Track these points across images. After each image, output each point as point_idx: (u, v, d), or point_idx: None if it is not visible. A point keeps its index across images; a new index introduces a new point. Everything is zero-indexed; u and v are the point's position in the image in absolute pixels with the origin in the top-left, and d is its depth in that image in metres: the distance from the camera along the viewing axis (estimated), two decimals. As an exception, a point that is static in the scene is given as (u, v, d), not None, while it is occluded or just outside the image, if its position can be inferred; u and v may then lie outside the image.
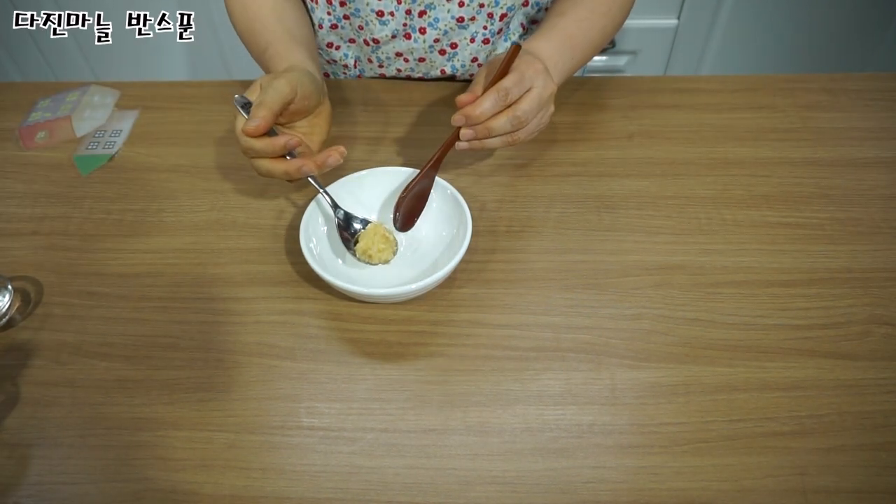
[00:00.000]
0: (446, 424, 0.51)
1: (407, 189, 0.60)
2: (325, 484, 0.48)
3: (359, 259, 0.59)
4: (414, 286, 0.53)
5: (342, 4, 0.78)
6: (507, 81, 0.56)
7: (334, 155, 0.57)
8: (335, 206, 0.60)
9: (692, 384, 0.52)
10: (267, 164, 0.57)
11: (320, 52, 0.87)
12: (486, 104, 0.56)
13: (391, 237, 0.60)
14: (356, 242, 0.60)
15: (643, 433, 0.50)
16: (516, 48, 0.59)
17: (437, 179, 0.62)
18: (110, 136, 0.77)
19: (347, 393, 0.53)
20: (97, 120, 0.79)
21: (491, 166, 0.71)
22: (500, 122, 0.57)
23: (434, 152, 0.61)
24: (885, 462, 0.48)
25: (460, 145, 0.60)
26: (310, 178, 0.59)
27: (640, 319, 0.57)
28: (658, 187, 0.68)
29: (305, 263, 0.55)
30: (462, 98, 0.58)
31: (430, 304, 0.58)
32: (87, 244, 0.65)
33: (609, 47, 1.47)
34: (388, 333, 0.57)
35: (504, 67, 0.58)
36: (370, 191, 0.64)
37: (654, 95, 0.80)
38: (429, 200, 0.63)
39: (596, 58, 1.50)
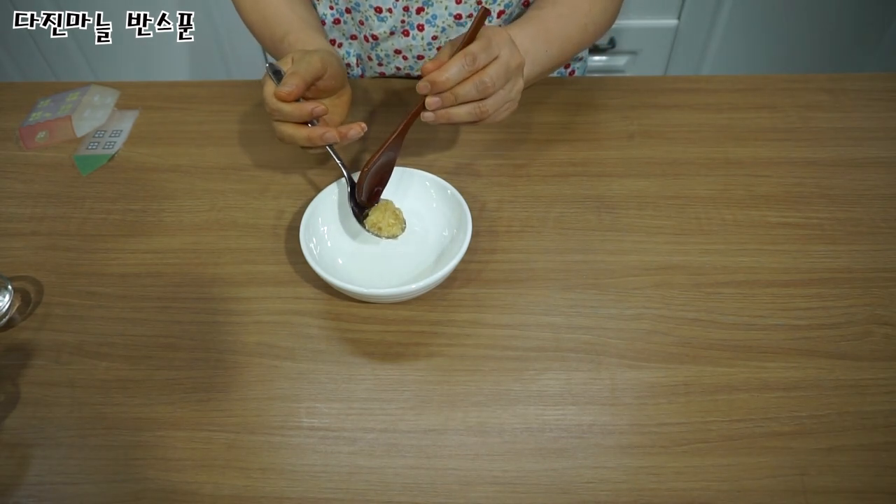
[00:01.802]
0: (446, 424, 0.51)
1: (369, 163, 0.59)
2: (325, 484, 0.48)
3: (368, 231, 0.60)
4: (414, 286, 0.53)
5: None
6: (474, 47, 0.54)
7: (355, 128, 0.58)
8: (350, 179, 0.61)
9: (692, 384, 0.52)
10: (290, 129, 0.58)
11: None
12: (453, 69, 0.54)
13: (400, 215, 0.61)
14: (366, 216, 0.61)
15: (643, 433, 0.50)
16: (485, 11, 0.56)
17: (438, 179, 0.62)
18: (110, 136, 0.77)
19: (347, 393, 0.53)
20: (97, 120, 0.79)
21: (491, 166, 0.71)
22: (466, 88, 0.55)
23: (400, 124, 0.59)
24: (886, 462, 0.48)
25: (426, 116, 0.56)
26: (329, 149, 0.60)
27: (641, 319, 0.57)
28: (658, 187, 0.68)
29: (305, 263, 0.55)
30: (427, 65, 0.55)
31: (430, 304, 0.58)
32: (87, 244, 0.65)
33: (609, 47, 1.47)
34: (388, 333, 0.57)
35: (471, 32, 0.56)
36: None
37: (654, 95, 0.80)
38: (429, 201, 0.63)
39: (596, 58, 1.51)
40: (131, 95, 0.83)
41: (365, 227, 0.60)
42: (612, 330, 0.56)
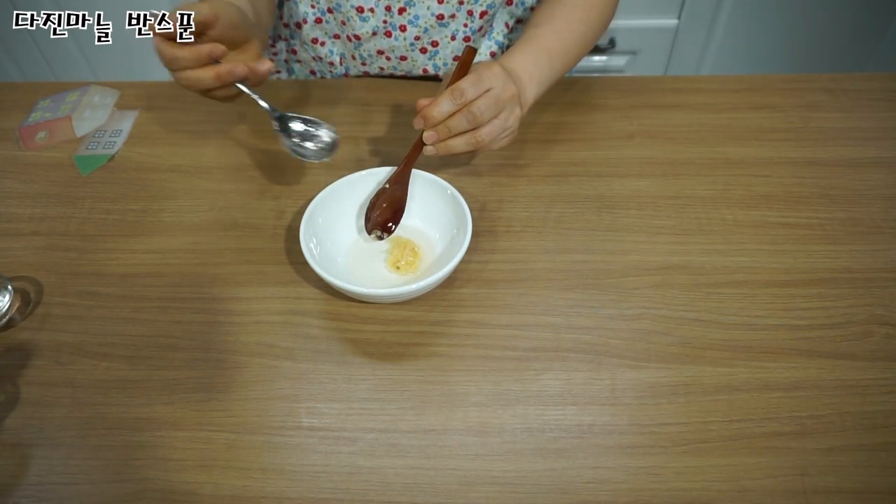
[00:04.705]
0: (446, 424, 0.51)
1: (378, 196, 0.61)
2: (325, 484, 0.48)
3: (388, 270, 0.60)
4: (414, 286, 0.53)
5: None
6: (463, 82, 0.57)
7: (266, 63, 0.58)
8: (273, 109, 0.61)
9: (692, 384, 0.52)
10: (195, 74, 0.57)
11: (305, 47, 0.87)
12: (444, 105, 0.57)
13: (419, 251, 0.61)
14: (373, 232, 0.61)
15: (643, 433, 0.50)
16: (470, 50, 0.60)
17: (437, 179, 0.62)
18: (110, 136, 0.77)
19: (347, 393, 0.53)
20: (97, 120, 0.79)
21: (491, 166, 0.71)
22: (457, 120, 0.58)
23: (402, 159, 0.62)
24: (886, 462, 0.48)
25: (427, 150, 0.60)
26: (242, 87, 0.59)
27: (641, 319, 0.57)
28: (658, 187, 0.68)
29: (305, 263, 0.55)
30: (421, 101, 0.59)
31: (430, 304, 0.58)
32: (87, 244, 0.65)
33: (609, 47, 1.47)
34: (388, 333, 0.57)
35: (459, 69, 0.59)
36: (366, 192, 0.64)
37: (654, 95, 0.80)
38: (429, 201, 0.63)
39: (595, 58, 1.51)
40: (131, 95, 0.83)
41: (370, 234, 0.61)
42: (612, 330, 0.56)
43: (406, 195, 0.62)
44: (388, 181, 0.62)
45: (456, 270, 0.57)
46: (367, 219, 0.62)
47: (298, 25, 0.84)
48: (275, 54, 0.93)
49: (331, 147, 0.62)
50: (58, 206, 0.69)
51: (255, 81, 0.59)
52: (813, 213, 0.65)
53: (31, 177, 0.73)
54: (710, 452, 0.48)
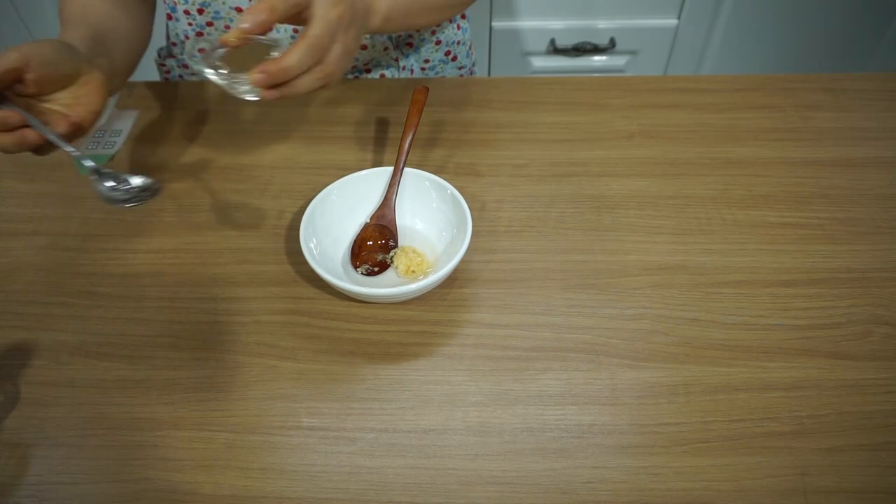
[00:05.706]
0: (446, 424, 0.51)
1: (364, 231, 0.62)
2: (325, 484, 0.48)
3: (402, 277, 0.60)
4: (414, 286, 0.53)
5: (200, 12, 0.79)
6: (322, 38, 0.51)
7: (76, 116, 0.54)
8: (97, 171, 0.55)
9: (692, 384, 0.52)
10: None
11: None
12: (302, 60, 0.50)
13: (420, 251, 0.61)
14: (391, 260, 0.61)
15: (643, 433, 0.50)
16: (422, 89, 0.65)
17: (438, 179, 0.62)
18: (110, 136, 0.77)
19: (347, 393, 0.53)
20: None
21: (491, 166, 0.71)
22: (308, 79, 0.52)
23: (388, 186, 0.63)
24: (886, 462, 0.48)
25: (266, 94, 0.51)
26: (55, 140, 0.54)
27: (641, 319, 0.57)
28: (658, 187, 0.68)
29: (305, 263, 0.55)
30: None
31: (430, 304, 0.58)
32: (87, 244, 0.65)
33: (609, 47, 1.47)
34: (388, 333, 0.57)
35: (413, 107, 0.63)
36: (356, 195, 0.64)
37: (654, 95, 0.80)
38: (429, 201, 0.63)
39: (595, 58, 1.51)
40: (131, 95, 0.83)
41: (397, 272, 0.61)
42: (612, 330, 0.56)
43: (395, 226, 0.62)
44: (373, 216, 0.63)
45: (456, 270, 0.57)
46: (354, 257, 0.61)
47: (186, 40, 0.85)
48: (167, 72, 0.93)
49: (145, 190, 0.56)
50: (58, 206, 0.69)
51: (76, 134, 0.55)
52: (813, 213, 0.65)
53: (31, 177, 0.73)
54: (710, 452, 0.48)
